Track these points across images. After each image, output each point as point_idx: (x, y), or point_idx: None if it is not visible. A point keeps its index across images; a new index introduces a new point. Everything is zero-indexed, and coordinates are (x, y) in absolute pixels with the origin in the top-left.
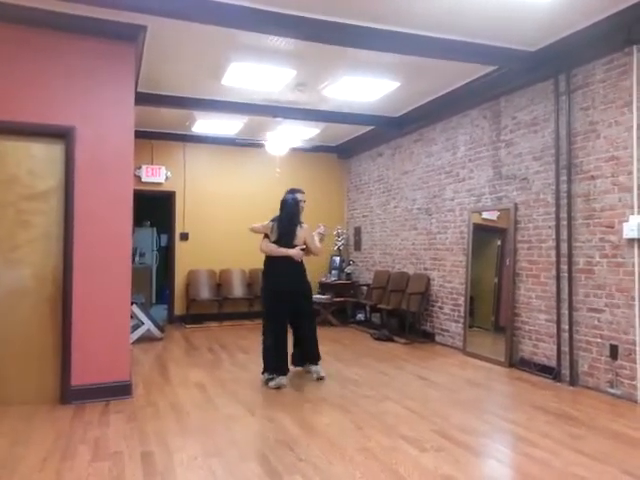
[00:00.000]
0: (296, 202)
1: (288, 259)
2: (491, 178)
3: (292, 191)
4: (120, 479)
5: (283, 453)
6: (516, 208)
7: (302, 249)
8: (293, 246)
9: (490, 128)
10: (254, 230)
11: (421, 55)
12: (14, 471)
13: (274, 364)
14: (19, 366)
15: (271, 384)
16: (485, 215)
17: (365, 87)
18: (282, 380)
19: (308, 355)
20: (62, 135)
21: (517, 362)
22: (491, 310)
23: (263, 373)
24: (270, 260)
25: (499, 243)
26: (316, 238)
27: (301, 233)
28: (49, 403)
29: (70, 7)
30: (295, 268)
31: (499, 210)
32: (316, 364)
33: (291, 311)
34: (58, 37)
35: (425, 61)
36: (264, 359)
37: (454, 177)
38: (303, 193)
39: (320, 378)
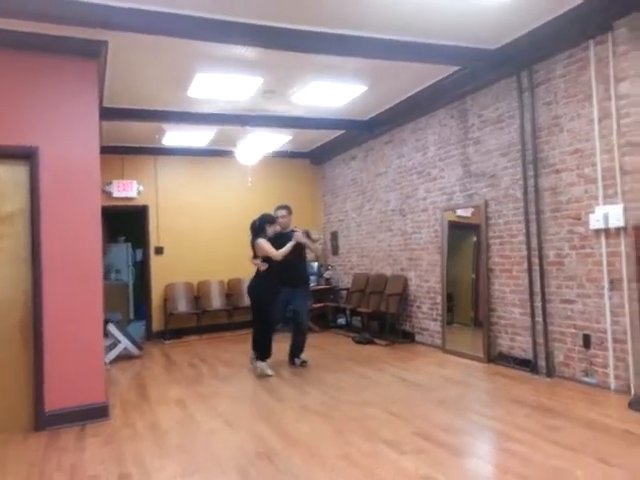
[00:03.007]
0: (254, 222)
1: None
2: (461, 176)
3: (277, 208)
4: None
5: (263, 465)
6: (486, 204)
7: (263, 259)
8: (257, 257)
9: (458, 127)
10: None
11: (385, 58)
12: None
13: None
14: None
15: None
16: (459, 212)
17: (333, 92)
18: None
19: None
20: (26, 156)
21: (495, 357)
22: (470, 306)
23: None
24: None
25: (475, 239)
26: (289, 244)
27: (257, 246)
28: (22, 431)
29: (28, 25)
30: (255, 276)
31: (470, 207)
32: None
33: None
34: (17, 56)
35: (390, 64)
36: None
37: (425, 177)
38: (283, 209)
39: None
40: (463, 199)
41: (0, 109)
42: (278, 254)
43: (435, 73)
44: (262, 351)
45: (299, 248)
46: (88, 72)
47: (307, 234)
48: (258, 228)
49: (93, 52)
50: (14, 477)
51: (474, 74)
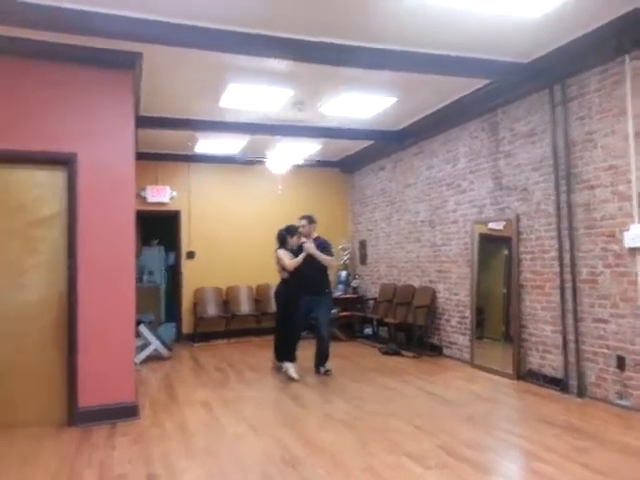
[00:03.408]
0: (279, 232)
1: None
2: (492, 189)
3: (299, 219)
4: None
5: (287, 473)
6: (518, 219)
7: (281, 268)
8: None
9: (489, 140)
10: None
11: (416, 71)
12: None
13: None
14: (27, 389)
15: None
16: (491, 225)
17: (363, 103)
18: None
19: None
20: (64, 162)
21: (525, 374)
22: (501, 321)
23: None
24: None
25: (506, 253)
26: (285, 258)
27: (277, 256)
28: (56, 425)
29: (66, 38)
30: (281, 283)
31: (501, 221)
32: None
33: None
34: (57, 67)
35: (421, 76)
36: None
37: (455, 189)
38: (305, 218)
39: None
40: (494, 212)
41: (41, 117)
42: (289, 264)
43: (466, 86)
44: (288, 353)
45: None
46: (124, 82)
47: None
48: (281, 239)
49: (129, 63)
50: (46, 470)
51: (506, 87)
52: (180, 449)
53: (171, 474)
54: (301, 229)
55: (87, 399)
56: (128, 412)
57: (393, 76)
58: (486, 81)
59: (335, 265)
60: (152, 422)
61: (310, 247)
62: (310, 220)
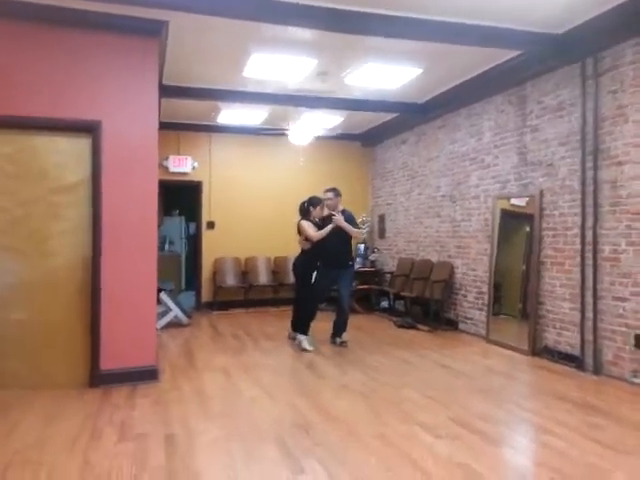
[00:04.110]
0: (302, 204)
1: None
2: (516, 164)
3: (325, 191)
4: (144, 459)
5: (301, 437)
6: (542, 195)
7: (305, 239)
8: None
9: (515, 114)
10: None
11: (444, 41)
12: (45, 449)
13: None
14: (51, 352)
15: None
16: (514, 201)
17: (387, 74)
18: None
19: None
20: (89, 129)
21: (540, 350)
22: (518, 297)
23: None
24: None
25: (528, 230)
26: (310, 229)
27: (300, 227)
28: (79, 387)
29: (92, 5)
30: (303, 253)
31: (524, 197)
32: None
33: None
34: (82, 34)
35: (448, 47)
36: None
37: (479, 164)
38: (330, 191)
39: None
40: (517, 188)
41: (66, 85)
42: (315, 236)
43: (494, 57)
44: (302, 326)
45: (343, 231)
46: (149, 51)
47: (363, 220)
48: (304, 210)
49: (154, 32)
50: (69, 428)
51: (535, 59)
52: (198, 412)
53: (189, 434)
54: (328, 202)
55: (109, 362)
56: (148, 375)
57: (419, 46)
58: (515, 53)
59: (361, 238)
60: (171, 385)
61: (339, 220)
62: (337, 193)
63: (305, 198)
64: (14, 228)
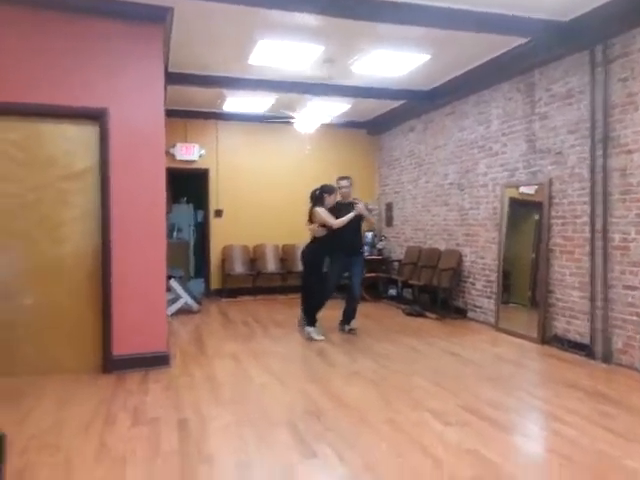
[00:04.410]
0: (314, 191)
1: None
2: (525, 152)
3: (337, 180)
4: (157, 443)
5: (312, 423)
6: (550, 183)
7: (320, 226)
8: (312, 224)
9: (524, 101)
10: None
11: (452, 28)
12: (61, 433)
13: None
14: (65, 338)
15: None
16: (522, 189)
17: (394, 61)
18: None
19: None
20: (96, 117)
21: (550, 339)
22: (528, 286)
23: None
24: None
25: (537, 218)
26: (350, 215)
27: (314, 215)
28: (92, 372)
29: None
30: (310, 243)
31: (533, 185)
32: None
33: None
34: (88, 21)
35: (455, 34)
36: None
37: (487, 151)
38: (345, 179)
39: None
40: (526, 176)
41: (72, 72)
42: (337, 223)
43: (503, 44)
44: (309, 316)
45: (357, 219)
46: (154, 37)
47: (366, 206)
48: (317, 197)
49: (159, 18)
50: (83, 413)
51: (544, 46)
52: (209, 397)
53: (201, 420)
54: (343, 190)
55: (121, 348)
56: (160, 361)
57: (426, 32)
58: (523, 40)
59: (373, 225)
60: (183, 371)
61: (362, 208)
62: (351, 181)
63: (317, 186)
64: (25, 214)
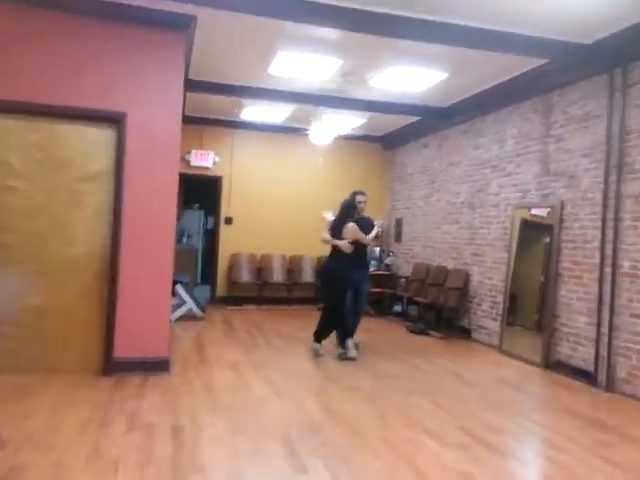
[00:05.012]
0: (349, 205)
1: (338, 249)
2: (538, 174)
3: (354, 194)
4: (150, 450)
5: (307, 437)
6: (562, 206)
7: (350, 242)
8: (341, 239)
9: (540, 122)
10: (325, 220)
11: (471, 47)
12: (56, 434)
13: (322, 333)
14: (67, 338)
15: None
16: (534, 211)
17: (412, 77)
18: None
19: (341, 335)
20: (114, 120)
21: (553, 364)
22: (535, 309)
23: (319, 342)
24: (331, 250)
25: (547, 241)
26: (374, 231)
27: (346, 230)
28: (92, 374)
29: None
30: (341, 256)
31: (544, 207)
32: (344, 340)
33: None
34: (111, 26)
35: (474, 52)
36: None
37: (500, 171)
38: (364, 194)
39: (350, 358)
40: (538, 198)
41: (94, 76)
42: (368, 239)
43: (521, 65)
44: (321, 333)
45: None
46: (176, 45)
47: (379, 230)
48: (347, 213)
49: (182, 26)
50: (79, 415)
51: (563, 68)
52: (206, 405)
53: (196, 427)
54: (362, 205)
55: (122, 350)
56: (160, 366)
57: (445, 50)
58: (543, 61)
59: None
60: (182, 378)
61: (384, 224)
62: (367, 197)
63: (345, 201)
64: (38, 213)
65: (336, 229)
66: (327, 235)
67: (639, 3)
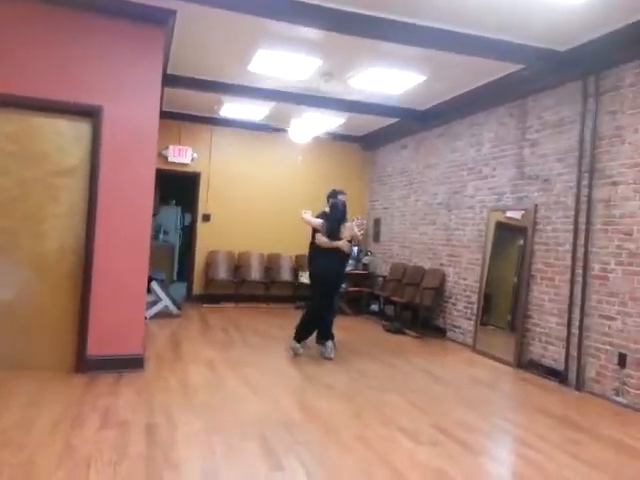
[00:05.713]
0: (344, 206)
1: (336, 249)
2: (513, 177)
3: (335, 193)
4: (124, 447)
5: (282, 434)
6: (536, 209)
7: (348, 241)
8: (339, 239)
9: (516, 127)
10: (307, 221)
11: (448, 50)
12: (28, 432)
13: (305, 334)
14: (39, 335)
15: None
16: (509, 214)
17: (391, 79)
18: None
19: (325, 333)
20: (90, 114)
21: (525, 363)
22: (508, 309)
23: (300, 342)
24: (319, 249)
25: (521, 243)
26: (356, 229)
27: (345, 229)
28: (65, 371)
29: None
30: (340, 256)
31: (519, 210)
32: (327, 341)
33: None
34: (89, 19)
35: (452, 56)
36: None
37: (476, 174)
38: (345, 194)
39: (328, 358)
40: (512, 201)
41: (69, 68)
42: (331, 244)
43: (498, 69)
44: (303, 333)
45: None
46: (155, 39)
47: (361, 226)
48: (344, 212)
49: (161, 20)
50: (53, 411)
51: (538, 74)
52: (182, 403)
53: (171, 425)
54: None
55: (96, 348)
56: (134, 364)
57: (424, 54)
58: (519, 66)
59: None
60: (157, 375)
61: (361, 224)
62: (347, 196)
63: (340, 199)
64: (10, 208)
65: (334, 230)
66: (325, 238)
67: (609, 15)
